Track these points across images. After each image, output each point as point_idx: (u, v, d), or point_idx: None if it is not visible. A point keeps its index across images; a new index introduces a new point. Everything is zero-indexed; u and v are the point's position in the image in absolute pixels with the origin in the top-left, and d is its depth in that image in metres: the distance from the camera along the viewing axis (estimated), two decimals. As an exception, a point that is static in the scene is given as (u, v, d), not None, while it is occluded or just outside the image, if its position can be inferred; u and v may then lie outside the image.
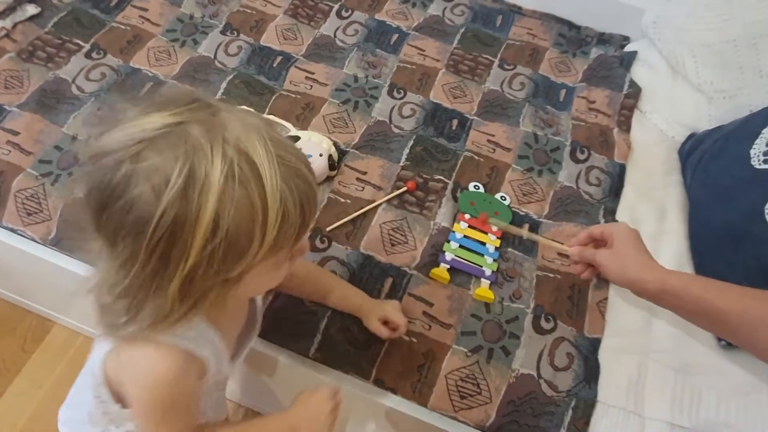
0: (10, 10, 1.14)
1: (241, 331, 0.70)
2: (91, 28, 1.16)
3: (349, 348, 0.83)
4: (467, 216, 0.96)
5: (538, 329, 0.86)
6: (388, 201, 0.97)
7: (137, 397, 0.57)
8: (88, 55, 1.11)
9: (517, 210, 1.00)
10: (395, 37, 1.25)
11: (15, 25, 1.13)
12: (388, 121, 1.09)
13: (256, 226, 0.46)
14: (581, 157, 1.08)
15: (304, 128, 1.05)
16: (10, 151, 0.95)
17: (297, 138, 0.99)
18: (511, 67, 1.23)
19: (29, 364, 1.15)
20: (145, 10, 1.21)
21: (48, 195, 0.92)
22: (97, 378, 0.59)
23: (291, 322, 0.85)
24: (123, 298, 0.49)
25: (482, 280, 0.89)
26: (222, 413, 0.76)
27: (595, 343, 0.86)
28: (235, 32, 1.21)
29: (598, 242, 0.80)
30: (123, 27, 1.17)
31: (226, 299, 0.51)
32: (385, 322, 0.79)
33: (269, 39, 1.21)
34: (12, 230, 0.91)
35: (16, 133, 0.97)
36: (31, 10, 1.16)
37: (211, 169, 0.44)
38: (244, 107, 0.47)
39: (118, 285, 0.48)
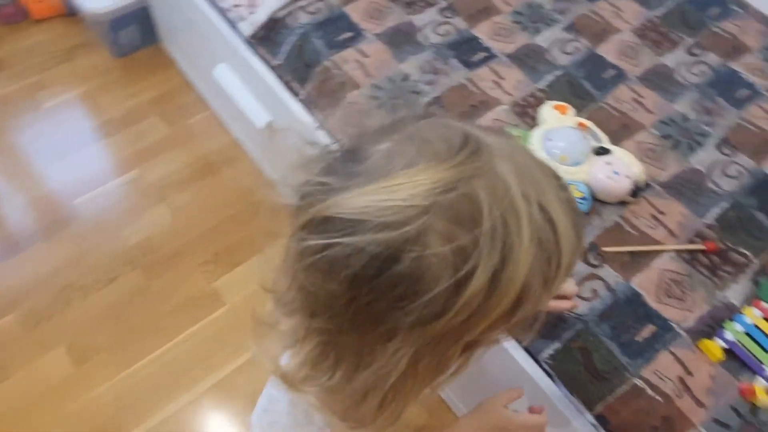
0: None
1: None
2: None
3: (584, 371, 0.79)
4: (765, 305, 0.84)
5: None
6: (678, 251, 0.89)
7: None
8: (441, 12, 1.22)
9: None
10: (745, 93, 1.13)
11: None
12: (705, 172, 1.00)
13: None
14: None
15: (615, 145, 1.01)
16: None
17: (608, 151, 0.96)
18: None
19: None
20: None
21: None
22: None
23: (534, 318, 0.84)
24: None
25: (759, 378, 0.78)
26: None
27: None
28: (576, 33, 1.21)
29: None
30: (478, -3, 1.25)
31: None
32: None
33: (606, 50, 1.19)
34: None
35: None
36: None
37: (519, 242, 0.36)
38: (499, 130, 0.40)
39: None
